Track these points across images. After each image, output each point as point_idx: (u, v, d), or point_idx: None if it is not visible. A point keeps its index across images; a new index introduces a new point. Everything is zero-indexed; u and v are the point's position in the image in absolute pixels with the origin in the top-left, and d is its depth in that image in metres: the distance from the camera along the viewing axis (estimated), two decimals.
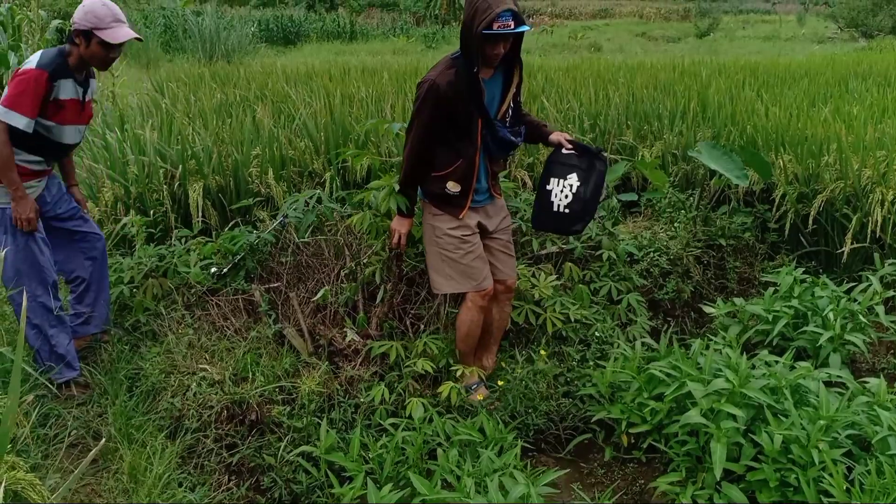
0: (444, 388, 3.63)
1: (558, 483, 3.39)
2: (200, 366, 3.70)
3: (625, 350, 3.83)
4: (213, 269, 4.26)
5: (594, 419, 3.68)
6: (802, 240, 5.41)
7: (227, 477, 3.39)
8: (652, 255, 4.87)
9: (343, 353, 3.96)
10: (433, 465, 3.12)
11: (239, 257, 4.27)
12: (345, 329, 4.04)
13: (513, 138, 3.68)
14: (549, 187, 3.89)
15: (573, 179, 3.81)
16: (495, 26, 3.25)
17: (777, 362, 3.62)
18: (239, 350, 3.85)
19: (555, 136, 3.91)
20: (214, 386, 3.60)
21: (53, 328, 3.68)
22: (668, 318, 4.87)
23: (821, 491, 2.90)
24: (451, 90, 3.41)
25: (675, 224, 5.16)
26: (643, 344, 4.04)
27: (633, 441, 3.59)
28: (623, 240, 4.88)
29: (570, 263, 4.59)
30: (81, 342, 4.01)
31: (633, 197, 5.56)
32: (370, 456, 3.11)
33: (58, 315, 3.69)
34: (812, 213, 5.17)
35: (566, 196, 3.82)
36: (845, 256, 5.04)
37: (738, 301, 4.43)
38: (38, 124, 3.52)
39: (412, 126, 3.55)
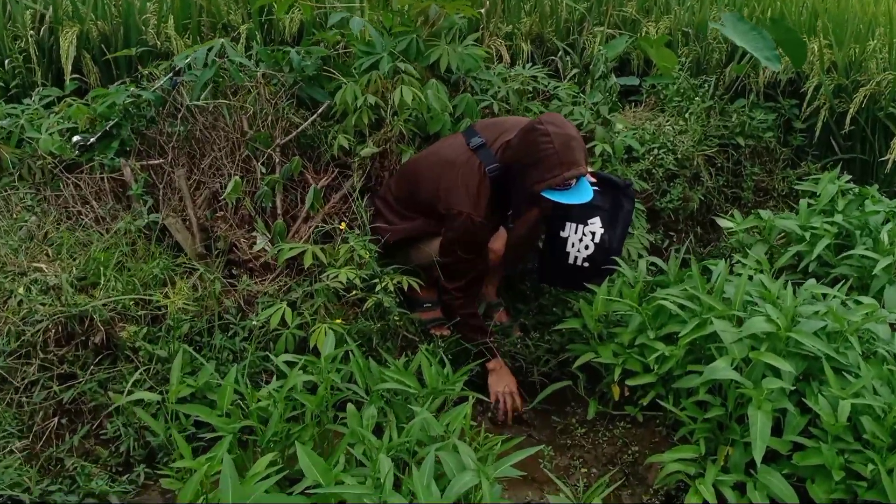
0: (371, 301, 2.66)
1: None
2: (35, 265, 2.65)
3: (623, 270, 2.83)
4: (76, 138, 3.15)
5: (576, 364, 2.71)
6: (834, 145, 4.42)
7: (56, 420, 2.41)
8: (656, 151, 3.84)
9: (247, 265, 2.92)
10: (342, 427, 2.13)
11: (111, 123, 3.16)
12: (253, 233, 2.98)
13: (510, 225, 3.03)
14: (564, 234, 2.96)
15: (596, 225, 2.95)
16: (557, 188, 2.61)
17: (829, 296, 2.66)
18: (98, 246, 2.79)
19: None
20: (49, 293, 2.55)
21: None
22: (670, 233, 3.89)
23: None
24: (484, 217, 2.74)
25: (686, 115, 4.11)
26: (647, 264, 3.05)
27: (627, 394, 2.64)
28: (621, 131, 3.83)
29: None
30: None
31: (633, 81, 4.48)
32: (250, 408, 2.09)
33: None
34: (851, 110, 4.17)
35: (586, 246, 2.93)
36: (889, 165, 4.07)
37: (765, 214, 3.45)
38: None
39: (450, 253, 2.81)
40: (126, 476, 2.32)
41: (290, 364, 2.30)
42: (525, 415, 2.86)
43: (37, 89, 3.53)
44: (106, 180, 3.06)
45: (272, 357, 2.37)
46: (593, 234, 2.90)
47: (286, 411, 2.08)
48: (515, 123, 2.74)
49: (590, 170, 3.05)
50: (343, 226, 2.84)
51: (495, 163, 2.71)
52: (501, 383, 2.84)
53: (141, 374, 2.45)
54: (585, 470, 2.57)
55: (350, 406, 2.12)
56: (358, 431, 1.96)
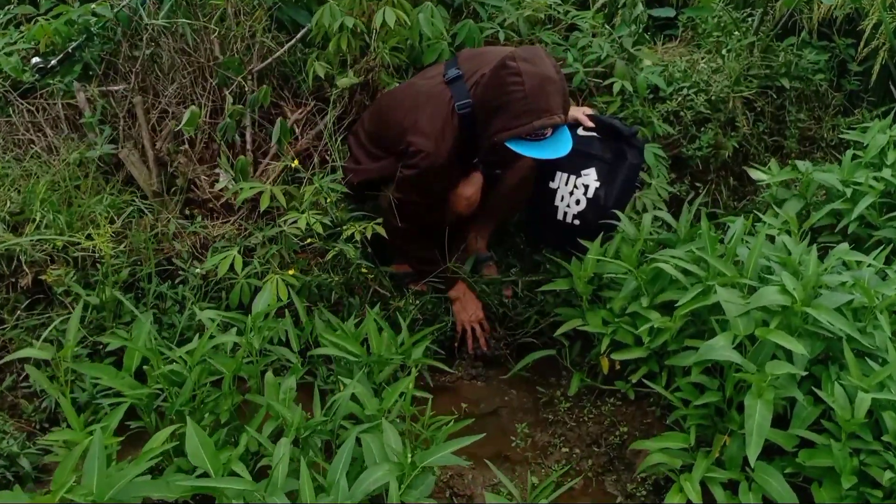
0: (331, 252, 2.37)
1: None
2: None
3: (623, 228, 2.48)
4: (35, 60, 2.89)
5: (559, 331, 2.39)
6: (893, 90, 3.92)
7: None
8: (686, 91, 3.41)
9: (206, 205, 2.65)
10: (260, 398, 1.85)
11: (74, 45, 2.89)
12: (216, 169, 2.70)
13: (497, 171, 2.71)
14: (553, 185, 2.61)
15: (590, 178, 2.59)
16: (526, 138, 2.25)
17: (863, 264, 2.27)
18: (45, 178, 2.55)
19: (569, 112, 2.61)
20: None
21: None
22: (697, 185, 3.49)
23: None
24: (447, 160, 2.39)
25: (724, 52, 3.66)
26: (655, 220, 2.68)
27: (617, 367, 2.32)
28: (647, 67, 3.41)
29: None
30: None
31: (669, 13, 4.03)
32: (157, 371, 1.82)
33: None
34: None
35: (577, 201, 2.58)
36: None
37: (803, 165, 3.03)
38: None
39: (404, 193, 2.45)
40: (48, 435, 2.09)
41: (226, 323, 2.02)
42: (494, 349, 2.63)
43: (6, 7, 3.27)
44: (61, 107, 2.79)
45: (196, 311, 2.09)
46: (586, 187, 2.54)
47: (202, 376, 1.81)
48: (501, 54, 2.37)
49: (589, 112, 2.68)
50: (295, 163, 2.53)
51: (467, 99, 2.35)
52: (467, 312, 2.59)
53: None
54: (567, 450, 2.27)
55: (269, 375, 1.85)
56: (276, 406, 1.69)
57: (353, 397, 1.80)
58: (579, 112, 2.66)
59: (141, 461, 1.52)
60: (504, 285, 2.76)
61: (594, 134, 2.63)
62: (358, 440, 1.66)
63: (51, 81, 2.83)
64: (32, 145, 2.71)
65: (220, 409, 1.77)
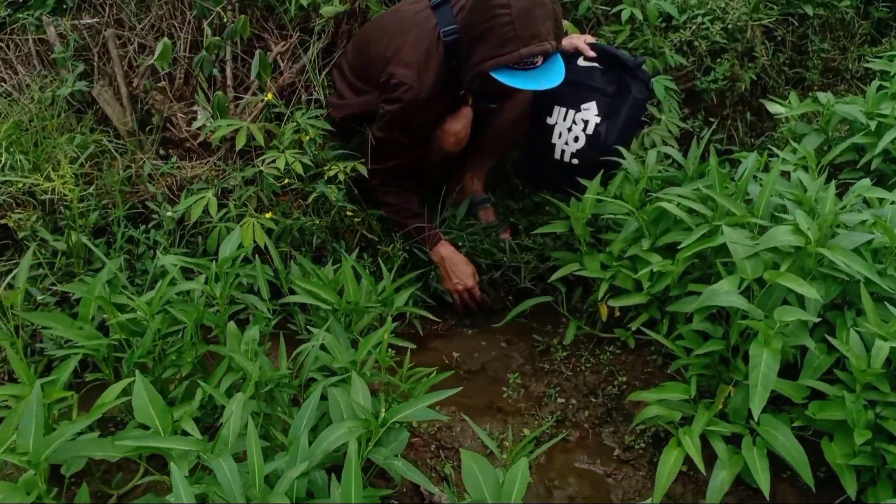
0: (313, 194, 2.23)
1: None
2: None
3: (626, 165, 2.30)
4: None
5: (555, 276, 2.24)
6: None
7: None
8: (700, 19, 3.19)
9: (183, 144, 2.50)
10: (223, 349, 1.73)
11: None
12: (194, 106, 2.55)
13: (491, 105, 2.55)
14: (550, 121, 2.42)
15: (590, 112, 2.39)
16: (514, 67, 2.09)
17: (885, 202, 2.09)
18: (12, 117, 2.41)
19: (568, 41, 2.43)
20: None
21: None
22: (711, 119, 3.29)
23: None
24: (431, 93, 2.21)
25: None
26: (662, 156, 2.49)
27: (617, 314, 2.17)
28: None
29: (568, 23, 2.96)
30: None
31: None
32: (113, 320, 1.69)
33: None
34: None
35: (575, 138, 2.38)
36: None
37: (824, 97, 2.83)
38: None
39: (384, 130, 2.28)
40: None
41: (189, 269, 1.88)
42: (494, 300, 2.49)
43: None
44: (33, 42, 2.64)
45: (160, 256, 1.96)
46: (586, 123, 2.36)
47: (164, 325, 1.69)
48: None
49: (591, 41, 2.49)
50: (270, 96, 2.37)
51: (453, 24, 2.16)
52: (451, 279, 2.39)
53: (43, 268, 2.11)
54: (562, 400, 2.15)
55: (231, 324, 1.72)
56: (239, 358, 1.56)
57: (327, 348, 1.68)
58: (580, 40, 2.46)
59: (91, 417, 1.41)
60: (501, 228, 2.61)
61: (596, 65, 2.44)
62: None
63: (21, 16, 2.67)
64: (3, 83, 2.57)
65: (182, 362, 1.66)
